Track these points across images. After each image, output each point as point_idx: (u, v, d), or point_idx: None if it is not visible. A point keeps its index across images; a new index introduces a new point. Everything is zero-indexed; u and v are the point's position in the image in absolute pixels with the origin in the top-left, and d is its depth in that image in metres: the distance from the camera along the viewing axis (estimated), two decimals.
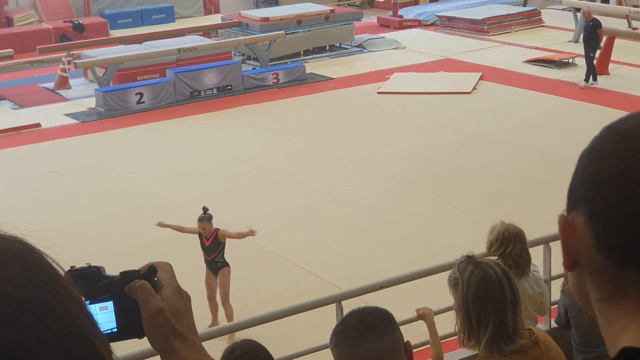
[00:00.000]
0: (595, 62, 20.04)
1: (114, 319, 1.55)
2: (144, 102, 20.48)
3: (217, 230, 10.09)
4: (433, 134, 17.51)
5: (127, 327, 1.55)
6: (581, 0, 27.87)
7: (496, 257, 3.98)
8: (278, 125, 18.71)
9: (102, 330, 1.52)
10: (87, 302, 1.52)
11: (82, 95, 21.65)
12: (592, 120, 16.81)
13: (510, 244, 5.67)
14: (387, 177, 15.29)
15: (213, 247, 10.07)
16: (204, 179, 15.60)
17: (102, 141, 18.22)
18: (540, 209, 12.65)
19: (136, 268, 1.59)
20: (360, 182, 15.09)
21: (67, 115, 20.16)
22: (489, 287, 3.60)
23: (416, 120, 18.46)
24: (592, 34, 19.72)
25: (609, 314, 1.15)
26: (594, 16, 20.27)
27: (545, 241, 6.63)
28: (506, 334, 3.55)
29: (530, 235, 6.77)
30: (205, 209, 10.13)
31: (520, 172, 15.16)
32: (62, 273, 1.02)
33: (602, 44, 20.00)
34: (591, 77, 20.05)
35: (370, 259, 12.00)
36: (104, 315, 1.54)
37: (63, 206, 14.62)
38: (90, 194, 15.08)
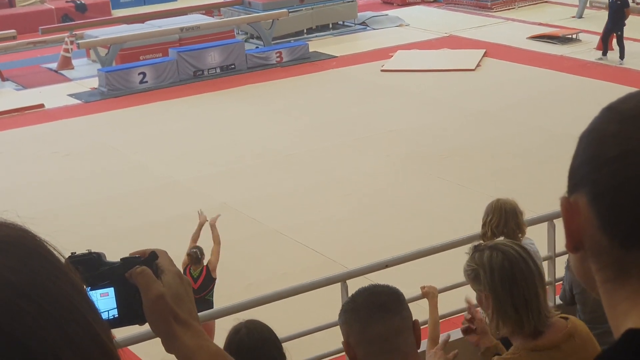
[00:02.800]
0: (612, 39, 19.95)
1: (115, 305, 1.55)
2: (146, 81, 20.45)
3: (206, 267, 9.33)
4: (437, 111, 17.47)
5: (128, 313, 1.55)
6: None
7: (503, 238, 3.89)
8: (282, 104, 18.68)
9: (103, 316, 1.53)
10: (88, 288, 1.52)
11: (85, 75, 21.63)
12: (596, 96, 16.76)
13: (490, 214, 5.72)
14: (391, 155, 15.27)
15: (204, 285, 9.28)
16: (208, 158, 15.59)
17: (105, 121, 18.21)
18: (545, 186, 12.64)
19: (138, 250, 1.59)
20: (365, 161, 15.08)
21: (70, 95, 20.15)
22: (514, 265, 3.43)
23: (420, 98, 18.42)
24: (619, 12, 19.62)
25: (614, 296, 1.15)
26: None
27: (549, 218, 6.61)
28: (543, 313, 3.40)
29: (534, 212, 6.77)
30: (195, 250, 9.30)
31: (525, 149, 15.13)
32: (63, 260, 1.02)
33: (626, 22, 19.89)
34: (602, 52, 20.03)
35: (375, 237, 12.01)
36: (105, 301, 1.54)
37: (67, 187, 14.63)
38: (94, 175, 15.09)
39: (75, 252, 1.52)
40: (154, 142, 16.70)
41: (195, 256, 9.22)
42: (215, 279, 9.34)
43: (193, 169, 15.14)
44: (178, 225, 12.30)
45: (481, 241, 3.86)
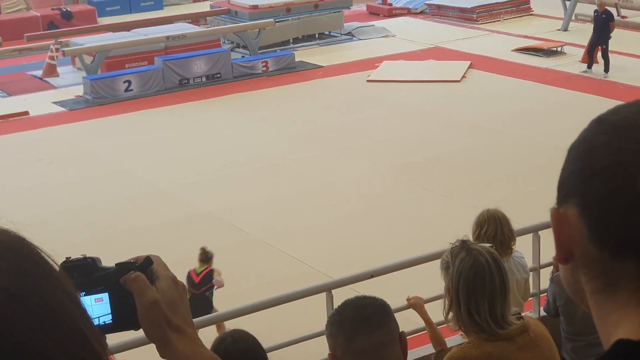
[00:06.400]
0: (597, 52, 20.06)
1: (110, 311, 1.54)
2: (132, 89, 20.42)
3: (212, 269, 9.83)
4: (423, 122, 17.51)
5: (123, 319, 1.55)
6: None
7: (490, 245, 3.99)
8: (268, 113, 18.68)
9: (97, 321, 1.53)
10: (83, 293, 1.52)
11: (70, 83, 21.57)
12: (581, 109, 16.87)
13: (485, 225, 5.75)
14: (377, 164, 15.29)
15: (205, 281, 9.72)
16: (193, 166, 15.57)
17: (90, 129, 18.16)
18: (530, 197, 12.69)
19: (129, 258, 1.59)
20: (350, 170, 15.09)
21: (55, 103, 20.09)
22: (478, 275, 3.62)
23: (406, 109, 18.46)
24: (604, 25, 19.74)
25: (604, 307, 1.15)
26: (606, 8, 20.28)
27: (535, 230, 6.64)
28: (494, 321, 3.57)
29: (519, 224, 6.79)
30: (203, 250, 9.88)
31: (509, 160, 15.18)
32: (57, 267, 1.03)
33: (612, 35, 19.99)
34: (587, 65, 20.16)
35: (361, 246, 12.01)
36: (99, 306, 1.54)
37: (52, 194, 14.58)
38: (78, 182, 15.04)
39: (70, 257, 1.52)
40: (139, 150, 16.67)
41: (205, 254, 9.75)
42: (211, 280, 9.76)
43: (178, 176, 15.11)
44: (163, 233, 12.27)
45: (468, 237, 4.04)
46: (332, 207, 13.59)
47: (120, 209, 13.90)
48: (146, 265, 1.56)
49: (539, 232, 6.62)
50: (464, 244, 3.76)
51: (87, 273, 1.53)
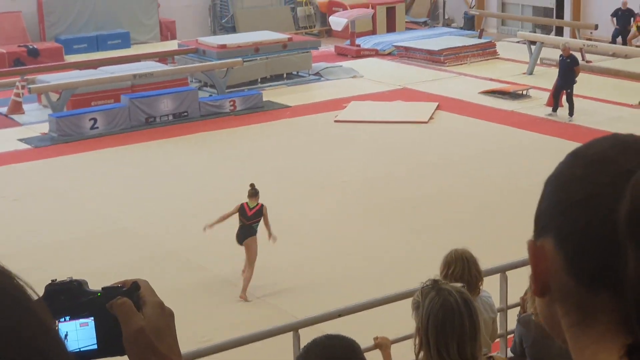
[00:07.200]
0: (562, 96, 20.31)
1: (94, 336, 1.52)
2: (97, 127, 20.33)
3: (262, 205, 12.14)
4: (390, 162, 17.57)
5: (108, 344, 1.52)
6: (535, 33, 28.31)
7: (461, 285, 3.98)
8: (234, 152, 18.66)
9: (82, 345, 1.51)
10: (67, 317, 1.50)
11: (36, 120, 21.45)
12: (546, 151, 17.02)
13: (452, 265, 5.76)
14: (344, 204, 15.29)
15: (255, 215, 12.07)
16: (159, 205, 15.48)
17: (55, 166, 18.04)
18: (496, 238, 12.73)
19: (120, 280, 1.57)
20: (317, 210, 15.07)
21: (21, 140, 19.96)
22: (447, 316, 3.61)
23: (373, 149, 18.52)
24: (569, 70, 20.00)
25: (580, 340, 1.15)
26: (571, 52, 20.56)
27: (502, 270, 6.64)
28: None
29: (485, 264, 6.78)
30: (252, 185, 12.27)
31: (477, 200, 15.25)
32: (34, 295, 1.01)
33: (577, 79, 20.25)
34: (552, 108, 20.39)
35: (327, 286, 11.96)
36: (84, 331, 1.52)
37: (15, 231, 14.42)
38: (43, 219, 14.90)
39: (55, 279, 1.50)
40: (104, 187, 16.56)
41: (254, 190, 12.19)
42: (261, 216, 12.10)
43: (143, 215, 15.01)
44: (126, 271, 12.13)
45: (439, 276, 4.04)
46: (298, 246, 13.54)
47: (84, 246, 13.76)
48: (133, 290, 1.54)
49: (506, 273, 6.63)
50: (434, 283, 3.75)
51: (72, 296, 1.51)
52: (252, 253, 12.00)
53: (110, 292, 1.53)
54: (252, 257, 11.99)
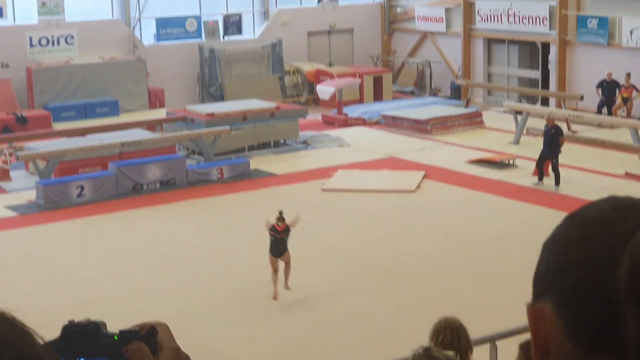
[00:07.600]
0: (548, 165, 20.45)
1: None
2: (84, 195, 20.29)
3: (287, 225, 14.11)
4: (377, 231, 17.56)
5: None
6: (521, 103, 28.59)
7: (453, 353, 3.94)
8: (222, 220, 18.63)
9: None
10: (82, 359, 1.49)
11: (23, 187, 21.42)
12: (533, 220, 17.06)
13: (442, 333, 5.75)
14: (331, 274, 15.24)
15: (285, 230, 14.03)
16: (145, 273, 15.40)
17: (41, 234, 17.95)
18: (485, 307, 12.67)
19: (139, 324, 1.55)
20: (304, 279, 14.99)
21: (7, 207, 19.89)
22: None
23: (360, 218, 18.53)
24: (554, 140, 20.19)
25: None
26: (556, 123, 20.77)
27: (491, 339, 6.60)
28: None
29: (475, 335, 6.73)
30: (281, 213, 14.07)
31: (466, 269, 15.21)
32: (40, 341, 1.01)
33: (562, 149, 20.42)
34: (538, 178, 20.51)
35: (313, 355, 11.85)
36: None
37: (1, 299, 14.27)
38: (28, 287, 14.78)
39: (73, 320, 1.51)
40: (89, 255, 16.47)
41: (281, 216, 14.04)
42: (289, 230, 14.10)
43: (130, 283, 14.91)
44: None
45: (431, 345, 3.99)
46: (284, 314, 13.45)
47: (70, 314, 13.55)
48: (150, 334, 1.52)
49: (496, 342, 6.58)
50: (426, 351, 3.70)
51: (89, 338, 1.50)
52: (287, 257, 14.09)
53: (126, 336, 1.52)
54: (287, 259, 14.08)
